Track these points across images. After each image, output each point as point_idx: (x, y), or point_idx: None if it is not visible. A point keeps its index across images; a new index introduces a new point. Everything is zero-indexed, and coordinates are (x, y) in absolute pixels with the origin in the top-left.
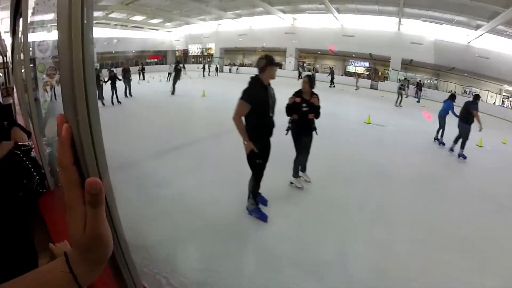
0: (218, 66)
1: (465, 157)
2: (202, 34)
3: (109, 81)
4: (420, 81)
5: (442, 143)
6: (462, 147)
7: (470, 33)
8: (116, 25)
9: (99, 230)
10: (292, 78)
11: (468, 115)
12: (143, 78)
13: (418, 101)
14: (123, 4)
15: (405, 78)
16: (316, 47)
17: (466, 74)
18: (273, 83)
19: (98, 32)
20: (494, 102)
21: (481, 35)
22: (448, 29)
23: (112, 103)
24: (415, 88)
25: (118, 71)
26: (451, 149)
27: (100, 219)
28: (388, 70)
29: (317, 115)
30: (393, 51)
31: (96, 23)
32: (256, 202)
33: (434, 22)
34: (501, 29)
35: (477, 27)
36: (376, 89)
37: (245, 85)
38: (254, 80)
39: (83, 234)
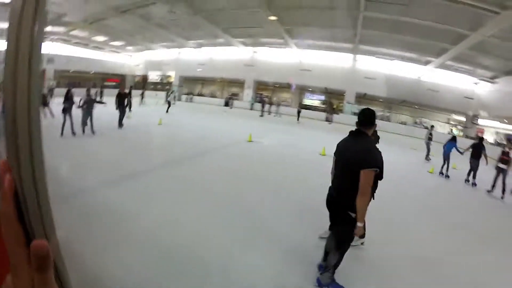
0: (176, 94)
1: (476, 184)
2: (162, 61)
3: (85, 105)
4: None
5: (447, 176)
6: (474, 177)
7: (420, 69)
8: (77, 43)
9: None
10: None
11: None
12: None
13: None
14: (86, 23)
15: (432, 126)
16: (274, 80)
17: (416, 106)
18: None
19: (58, 49)
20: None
21: (430, 70)
22: (400, 64)
23: (83, 132)
24: None
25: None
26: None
27: (48, 285)
28: (343, 103)
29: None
30: (347, 85)
31: (57, 38)
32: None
33: (386, 58)
34: (449, 64)
35: (427, 63)
36: (331, 121)
37: (200, 114)
38: (369, 138)
39: None
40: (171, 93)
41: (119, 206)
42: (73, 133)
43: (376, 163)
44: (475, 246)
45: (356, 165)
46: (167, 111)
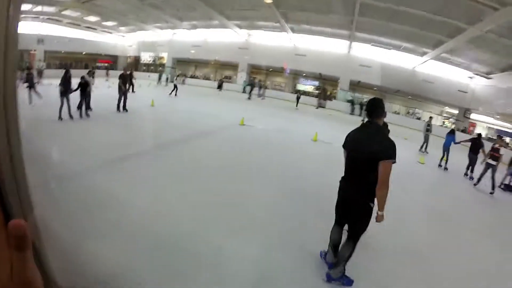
0: (168, 76)
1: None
2: (156, 42)
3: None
4: (366, 101)
5: (446, 169)
6: (472, 171)
7: (415, 59)
8: (69, 23)
9: (27, 276)
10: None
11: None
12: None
13: (363, 120)
14: (79, 2)
15: (431, 117)
16: (268, 64)
17: (410, 97)
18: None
19: (49, 30)
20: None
21: (425, 61)
22: (396, 54)
23: (81, 116)
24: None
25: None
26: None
27: (27, 263)
28: (337, 90)
29: None
30: (342, 72)
31: (48, 19)
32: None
33: (383, 47)
34: (445, 57)
35: (423, 54)
36: (324, 107)
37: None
38: (383, 129)
39: (9, 281)
40: (178, 76)
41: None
42: (71, 116)
43: (394, 154)
44: (464, 239)
45: (376, 157)
46: (174, 94)
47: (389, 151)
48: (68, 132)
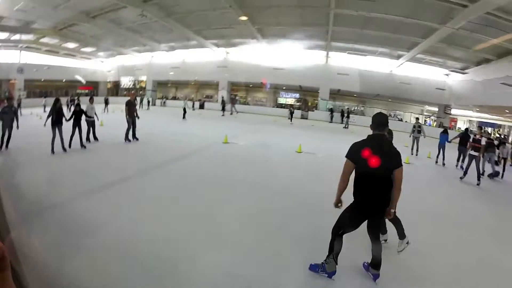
0: (150, 99)
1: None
2: (135, 66)
3: (72, 118)
4: (348, 108)
5: (443, 164)
6: (463, 160)
7: (392, 63)
8: (47, 51)
9: None
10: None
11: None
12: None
13: (345, 127)
14: (56, 29)
15: (417, 118)
16: (248, 80)
17: (390, 99)
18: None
19: (28, 58)
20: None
21: (402, 64)
22: (372, 59)
23: (70, 146)
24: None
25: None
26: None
27: (6, 284)
28: (317, 100)
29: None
30: (321, 82)
31: (26, 47)
32: None
33: (359, 54)
34: (420, 57)
35: (398, 57)
36: (306, 118)
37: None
38: (388, 139)
39: None
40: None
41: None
42: (64, 149)
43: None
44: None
45: (393, 166)
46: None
47: (400, 160)
48: (61, 166)
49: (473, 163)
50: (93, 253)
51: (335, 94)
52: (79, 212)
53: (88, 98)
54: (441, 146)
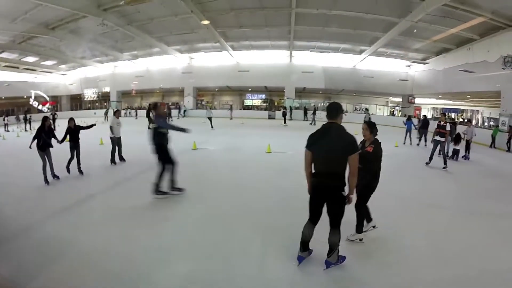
0: (114, 110)
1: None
2: (98, 77)
3: (67, 137)
4: (314, 105)
5: (418, 145)
6: (425, 140)
7: (354, 58)
8: (6, 66)
9: None
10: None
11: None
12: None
13: (312, 124)
14: (15, 43)
15: (366, 109)
16: (214, 85)
17: (354, 94)
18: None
19: None
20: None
21: (364, 58)
22: (335, 56)
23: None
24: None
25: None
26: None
27: None
28: (283, 99)
29: (363, 163)
30: (286, 81)
31: None
32: None
33: (322, 51)
34: (382, 51)
35: (361, 52)
36: (274, 118)
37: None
38: (343, 127)
39: None
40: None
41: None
42: (55, 176)
43: (358, 147)
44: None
45: (345, 152)
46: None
47: (352, 146)
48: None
49: (438, 148)
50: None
51: (301, 92)
52: None
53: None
54: (408, 130)
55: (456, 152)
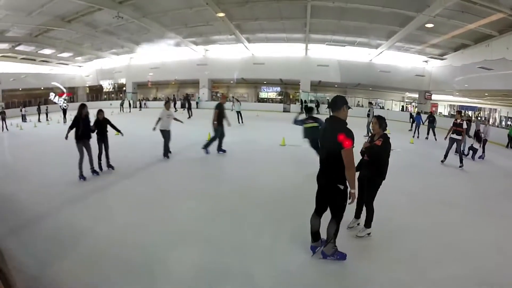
0: (131, 101)
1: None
2: (113, 69)
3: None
4: (328, 99)
5: (426, 138)
6: (434, 134)
7: (371, 52)
8: (24, 59)
9: None
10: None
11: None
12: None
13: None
14: (31, 36)
15: (370, 103)
16: (228, 77)
17: (370, 88)
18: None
19: (4, 67)
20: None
21: (381, 53)
22: (351, 50)
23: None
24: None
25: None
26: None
27: None
28: (299, 92)
29: (370, 156)
30: (301, 74)
31: (2, 56)
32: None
33: (337, 45)
34: (399, 45)
35: (377, 46)
36: (289, 111)
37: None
38: (341, 121)
39: None
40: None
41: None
42: (94, 171)
43: (352, 140)
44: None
45: (336, 145)
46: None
47: (345, 141)
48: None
49: (454, 146)
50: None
51: (316, 86)
52: None
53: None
54: (417, 125)
55: (474, 151)
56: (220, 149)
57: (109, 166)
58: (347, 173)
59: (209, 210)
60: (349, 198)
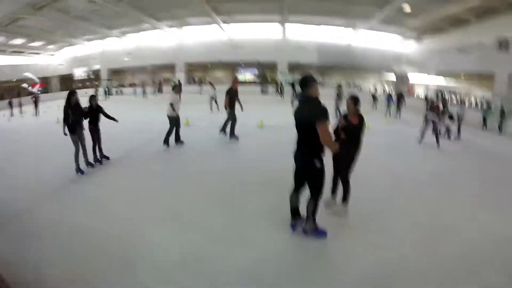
0: (106, 89)
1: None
2: (87, 56)
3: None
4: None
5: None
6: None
7: (349, 33)
8: None
9: None
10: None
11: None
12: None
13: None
14: (1, 26)
15: (339, 85)
16: (205, 60)
17: (348, 70)
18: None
19: None
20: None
21: (359, 34)
22: (330, 31)
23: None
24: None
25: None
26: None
27: None
28: (276, 74)
29: (347, 134)
30: (279, 56)
31: None
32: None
33: (316, 26)
34: (377, 27)
35: (355, 27)
36: (267, 93)
37: None
38: (313, 99)
39: None
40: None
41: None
42: (89, 164)
43: (326, 117)
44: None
45: (311, 122)
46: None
47: (317, 115)
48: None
49: (430, 127)
50: None
51: (294, 67)
52: None
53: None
54: (388, 104)
55: (448, 129)
56: (232, 135)
57: (104, 157)
58: (327, 147)
59: (194, 192)
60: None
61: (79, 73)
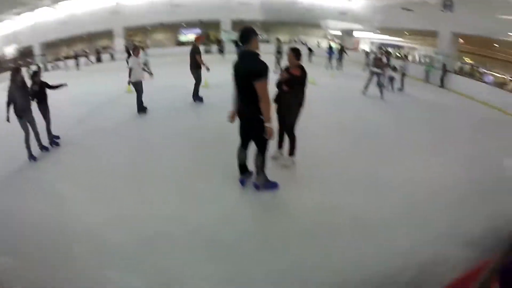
0: (41, 65)
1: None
2: (17, 31)
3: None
4: None
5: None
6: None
7: None
8: None
9: None
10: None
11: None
12: None
13: None
14: None
15: (278, 39)
16: (144, 22)
17: (294, 26)
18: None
19: None
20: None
21: None
22: None
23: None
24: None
25: None
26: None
27: None
28: (220, 32)
29: (289, 86)
30: (222, 13)
31: None
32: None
33: None
34: None
35: None
36: (210, 52)
37: None
38: (253, 53)
39: None
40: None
41: None
42: (43, 147)
43: (265, 74)
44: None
45: (250, 78)
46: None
47: (256, 72)
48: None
49: (374, 79)
50: None
51: (238, 25)
52: None
53: None
54: (329, 58)
55: (391, 80)
56: (197, 97)
57: (54, 137)
58: (262, 106)
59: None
60: (267, 136)
61: (10, 51)
